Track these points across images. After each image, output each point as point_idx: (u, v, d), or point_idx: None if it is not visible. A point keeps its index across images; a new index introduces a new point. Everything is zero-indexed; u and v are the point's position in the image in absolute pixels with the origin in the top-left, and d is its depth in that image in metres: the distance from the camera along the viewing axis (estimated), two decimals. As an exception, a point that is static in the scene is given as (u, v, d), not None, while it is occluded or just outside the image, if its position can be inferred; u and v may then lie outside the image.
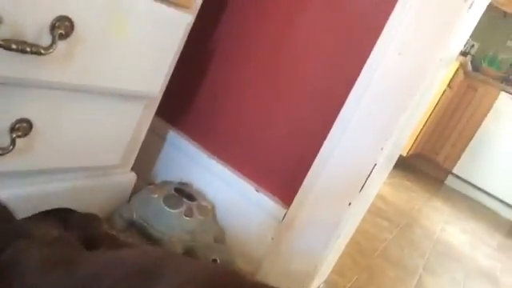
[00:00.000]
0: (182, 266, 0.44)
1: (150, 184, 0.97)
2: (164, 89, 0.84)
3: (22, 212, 0.71)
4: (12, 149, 0.62)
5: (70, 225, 0.75)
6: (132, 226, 0.90)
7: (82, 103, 0.70)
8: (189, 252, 0.88)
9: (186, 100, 1.06)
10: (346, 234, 1.00)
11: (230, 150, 1.02)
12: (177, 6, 0.75)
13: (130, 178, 0.91)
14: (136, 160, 0.92)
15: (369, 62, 0.84)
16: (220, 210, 1.01)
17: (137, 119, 0.83)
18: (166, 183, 0.98)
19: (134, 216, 0.89)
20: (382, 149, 0.84)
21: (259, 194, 0.98)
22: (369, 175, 0.86)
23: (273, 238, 0.97)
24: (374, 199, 1.27)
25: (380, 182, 0.98)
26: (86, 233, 0.74)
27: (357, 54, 0.86)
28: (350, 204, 0.88)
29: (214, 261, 0.88)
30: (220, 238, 0.97)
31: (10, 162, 0.65)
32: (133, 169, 0.92)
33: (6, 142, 0.62)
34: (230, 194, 1.00)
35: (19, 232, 0.54)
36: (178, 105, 1.07)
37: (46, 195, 0.74)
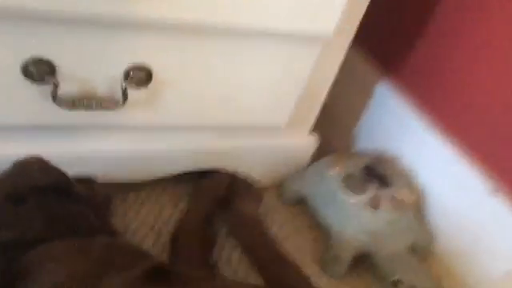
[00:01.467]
0: None
1: (336, 153, 0.74)
2: (338, 26, 0.57)
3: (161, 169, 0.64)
4: (125, 101, 0.51)
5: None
6: (302, 202, 0.71)
7: (224, 47, 0.53)
8: (364, 259, 0.64)
9: (404, 42, 0.74)
10: None
11: (462, 126, 0.67)
12: None
13: (307, 142, 0.71)
14: (325, 121, 0.71)
15: None
16: (432, 206, 0.69)
17: (309, 69, 0.60)
18: (355, 156, 0.73)
19: (305, 191, 0.70)
20: None
21: (498, 196, 0.62)
22: None
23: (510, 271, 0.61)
24: None
25: None
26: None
27: None
28: None
29: (395, 283, 0.61)
30: (422, 247, 0.67)
31: (134, 116, 0.55)
32: (318, 131, 0.72)
33: (118, 94, 0.51)
34: (450, 185, 0.67)
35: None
36: (393, 48, 0.76)
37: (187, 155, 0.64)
